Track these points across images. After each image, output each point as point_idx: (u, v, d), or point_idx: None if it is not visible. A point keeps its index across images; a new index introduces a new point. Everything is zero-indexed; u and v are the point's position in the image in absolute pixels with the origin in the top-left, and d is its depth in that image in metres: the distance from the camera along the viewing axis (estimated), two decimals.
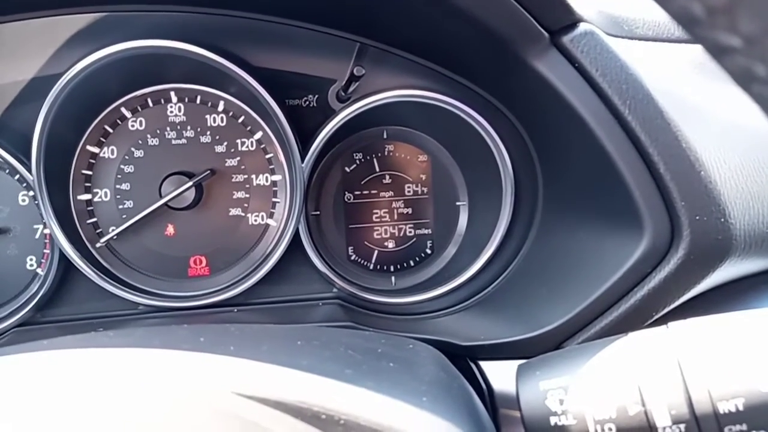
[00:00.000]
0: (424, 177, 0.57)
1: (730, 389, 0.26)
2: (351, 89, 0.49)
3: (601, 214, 0.42)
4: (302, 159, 0.51)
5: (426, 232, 0.58)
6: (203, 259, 0.55)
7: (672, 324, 0.30)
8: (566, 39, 0.38)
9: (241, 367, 0.27)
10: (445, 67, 0.49)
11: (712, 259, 0.38)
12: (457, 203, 0.57)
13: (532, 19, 0.38)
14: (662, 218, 0.38)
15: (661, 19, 0.48)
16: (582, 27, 0.39)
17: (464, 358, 0.43)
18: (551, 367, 0.30)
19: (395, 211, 0.58)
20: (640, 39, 0.46)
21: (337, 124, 0.51)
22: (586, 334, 0.40)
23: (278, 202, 0.55)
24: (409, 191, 0.57)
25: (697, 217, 0.37)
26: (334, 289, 0.55)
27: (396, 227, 0.58)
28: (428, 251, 0.58)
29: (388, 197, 0.57)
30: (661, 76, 0.42)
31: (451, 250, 0.58)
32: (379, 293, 0.55)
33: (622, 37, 0.44)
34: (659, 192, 0.37)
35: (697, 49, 0.46)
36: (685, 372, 0.27)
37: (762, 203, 0.38)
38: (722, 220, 0.37)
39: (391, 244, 0.58)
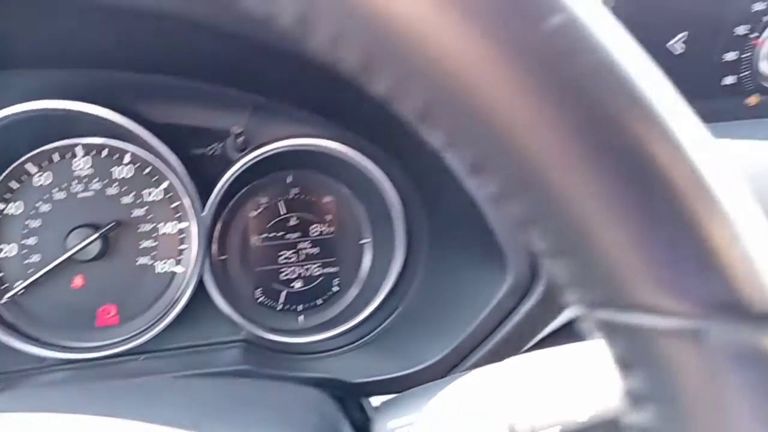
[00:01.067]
0: (329, 217, 0.59)
1: (549, 420, 0.29)
2: (240, 141, 0.51)
3: (475, 253, 0.44)
4: (206, 206, 0.53)
5: (333, 270, 0.60)
6: (112, 308, 0.56)
7: (510, 359, 0.33)
8: None
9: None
10: (334, 120, 0.52)
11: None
12: (361, 242, 0.60)
13: None
14: (523, 258, 0.40)
15: None
16: None
17: (357, 396, 0.45)
18: (403, 405, 0.33)
19: (302, 251, 0.60)
20: None
21: (234, 173, 0.53)
22: (463, 368, 0.43)
23: (185, 249, 0.56)
24: (315, 232, 0.60)
25: None
26: (242, 332, 0.56)
27: (303, 267, 0.60)
28: (335, 289, 0.60)
29: (295, 239, 0.59)
30: None
31: (356, 288, 0.60)
32: (285, 333, 0.57)
33: None
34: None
35: None
36: (510, 406, 0.29)
37: None
38: None
39: (298, 284, 0.60)
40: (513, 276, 0.40)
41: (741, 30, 0.53)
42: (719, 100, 0.54)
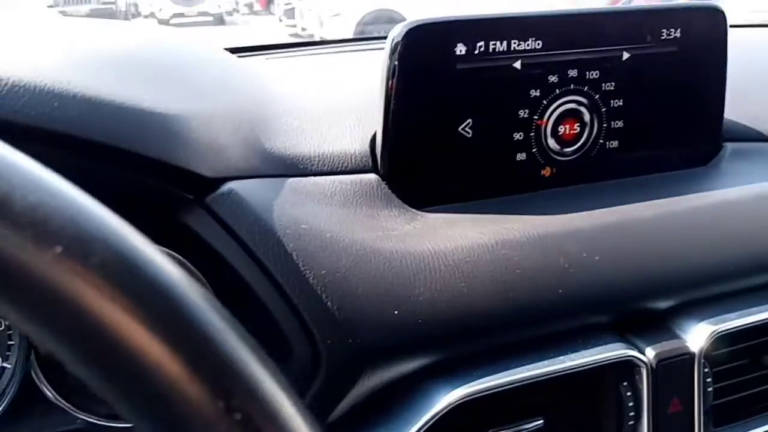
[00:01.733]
0: None
1: None
2: None
3: (269, 344, 0.47)
4: None
5: None
6: None
7: None
8: (209, 198, 0.45)
9: None
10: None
11: (351, 375, 0.44)
12: None
13: (173, 184, 0.43)
14: (305, 346, 0.44)
15: (340, 152, 0.56)
16: (227, 186, 0.45)
17: None
18: None
19: None
20: (313, 175, 0.53)
21: None
22: None
23: (12, 344, 0.57)
24: None
25: (329, 342, 0.43)
26: (77, 421, 0.57)
27: None
28: None
29: None
30: (319, 211, 0.49)
31: None
32: (121, 419, 0.58)
33: (293, 176, 0.52)
34: (300, 324, 0.44)
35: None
36: None
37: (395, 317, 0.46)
38: (352, 341, 0.44)
39: None
40: (297, 364, 0.43)
41: (522, 114, 0.59)
42: (516, 173, 0.60)
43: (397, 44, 0.53)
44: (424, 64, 0.54)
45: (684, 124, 0.66)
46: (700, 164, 0.67)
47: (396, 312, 0.46)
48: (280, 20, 13.37)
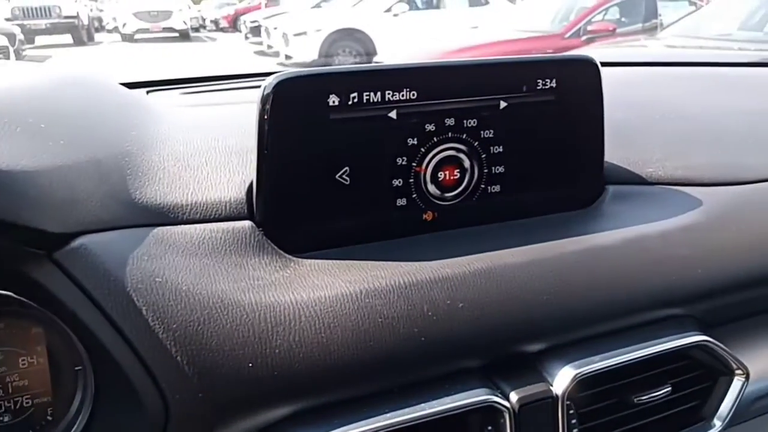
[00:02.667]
0: (39, 348, 0.61)
1: None
2: None
3: (121, 396, 0.48)
4: None
5: (45, 400, 0.61)
6: None
7: None
8: (59, 254, 0.45)
9: None
10: None
11: (203, 428, 0.45)
12: (76, 368, 0.61)
13: (20, 242, 0.44)
14: (156, 399, 0.44)
15: (215, 199, 0.56)
16: (79, 240, 0.46)
17: None
18: None
19: (9, 385, 0.60)
20: (183, 223, 0.54)
21: None
22: None
23: None
24: (23, 364, 0.61)
25: (177, 396, 0.44)
26: None
27: (11, 401, 0.60)
28: (48, 418, 0.61)
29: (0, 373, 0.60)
30: (179, 262, 0.49)
31: (69, 416, 0.61)
32: None
33: (160, 225, 0.52)
34: (150, 379, 0.44)
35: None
36: None
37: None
38: (202, 395, 0.44)
39: (6, 418, 0.60)
40: (148, 417, 0.44)
41: (401, 161, 0.61)
42: (398, 218, 0.62)
43: (267, 95, 0.54)
44: (296, 114, 0.56)
45: (565, 168, 0.68)
46: (583, 206, 0.70)
47: (250, 365, 0.46)
48: (246, 38, 13.39)
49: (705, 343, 0.63)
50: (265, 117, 0.54)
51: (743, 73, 1.28)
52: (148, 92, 0.91)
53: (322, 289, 0.52)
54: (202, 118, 0.76)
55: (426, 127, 0.61)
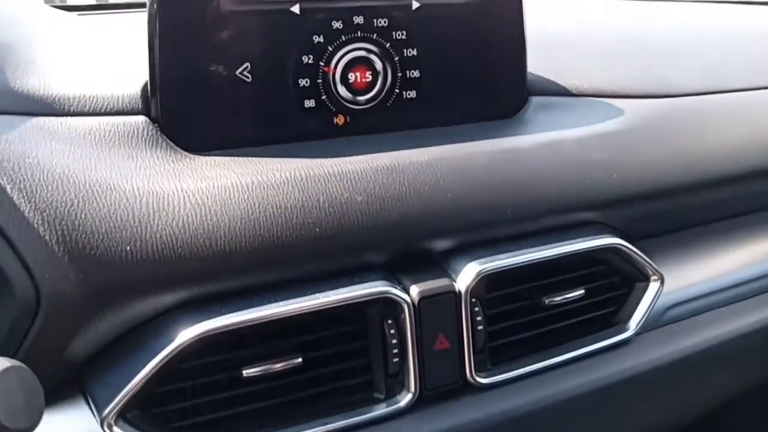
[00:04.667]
0: None
1: None
2: None
3: None
4: None
5: None
6: None
7: None
8: None
9: None
10: None
11: (78, 311, 0.44)
12: None
13: None
14: (24, 280, 0.43)
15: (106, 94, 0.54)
16: None
17: None
18: None
19: None
20: (69, 115, 0.52)
21: None
22: None
23: None
24: None
25: (47, 276, 0.42)
26: None
27: None
28: None
29: None
30: (58, 148, 0.47)
31: None
32: None
33: (42, 115, 0.50)
34: (16, 257, 0.43)
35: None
36: None
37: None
38: (74, 275, 0.43)
39: None
40: (18, 296, 0.42)
41: (307, 60, 0.59)
42: (306, 121, 0.60)
43: None
44: (185, 7, 0.53)
45: (485, 76, 0.67)
46: (504, 117, 0.69)
47: (128, 248, 0.45)
48: None
49: (619, 246, 0.63)
50: (155, 6, 0.52)
51: None
52: (79, 15, 0.88)
53: (212, 179, 0.50)
54: (106, 24, 0.73)
55: (333, 24, 0.59)
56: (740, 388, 0.80)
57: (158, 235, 0.47)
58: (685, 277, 0.73)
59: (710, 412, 0.80)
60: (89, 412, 0.47)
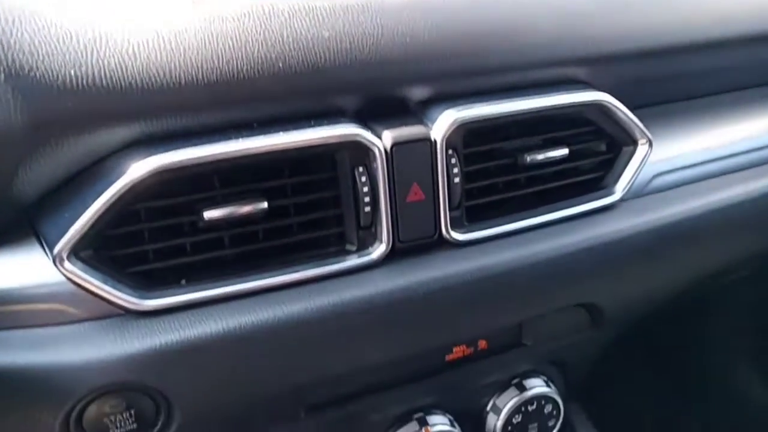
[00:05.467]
0: None
1: None
2: None
3: None
4: None
5: None
6: None
7: None
8: None
9: None
10: None
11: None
12: None
13: None
14: None
15: None
16: None
17: None
18: None
19: None
20: None
21: None
22: None
23: None
24: None
25: None
26: None
27: None
28: None
29: None
30: None
31: None
32: None
33: None
34: None
35: None
36: None
37: None
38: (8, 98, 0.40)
39: None
40: None
41: None
42: None
43: None
44: None
45: None
46: None
47: (72, 72, 0.41)
48: None
49: (605, 103, 0.60)
50: None
51: None
52: None
53: (166, 7, 0.46)
54: None
55: None
56: (729, 258, 0.78)
57: (106, 62, 0.43)
58: (675, 146, 0.70)
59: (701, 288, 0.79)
60: (42, 251, 0.45)
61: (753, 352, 1.32)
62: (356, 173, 0.51)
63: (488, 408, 0.71)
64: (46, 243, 0.45)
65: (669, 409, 1.38)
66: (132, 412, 0.48)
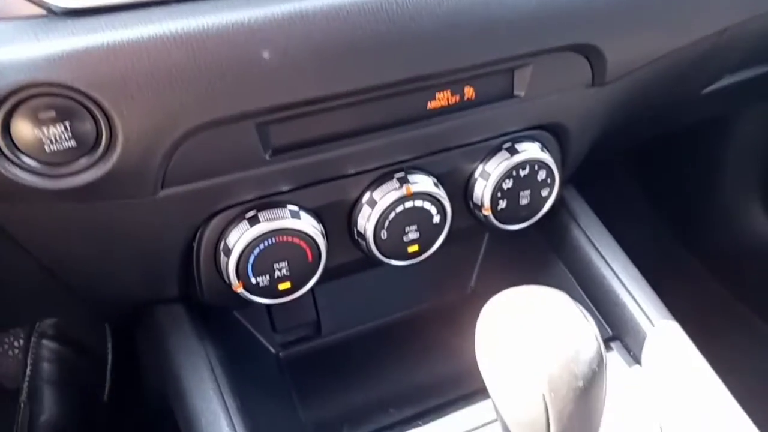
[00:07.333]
0: None
1: None
2: None
3: None
4: None
5: None
6: None
7: None
8: None
9: None
10: None
11: None
12: None
13: None
14: None
15: None
16: None
17: None
18: None
19: None
20: None
21: None
22: None
23: None
24: None
25: None
26: None
27: None
28: None
29: None
30: None
31: None
32: None
33: None
34: None
35: None
36: None
37: None
38: None
39: None
40: None
41: None
42: None
43: None
44: None
45: None
46: None
47: None
48: None
49: None
50: None
51: None
52: None
53: None
54: None
55: None
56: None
57: None
58: None
59: None
60: None
61: (762, 182, 1.27)
62: None
63: (476, 174, 0.66)
64: None
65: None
66: (66, 125, 0.44)
